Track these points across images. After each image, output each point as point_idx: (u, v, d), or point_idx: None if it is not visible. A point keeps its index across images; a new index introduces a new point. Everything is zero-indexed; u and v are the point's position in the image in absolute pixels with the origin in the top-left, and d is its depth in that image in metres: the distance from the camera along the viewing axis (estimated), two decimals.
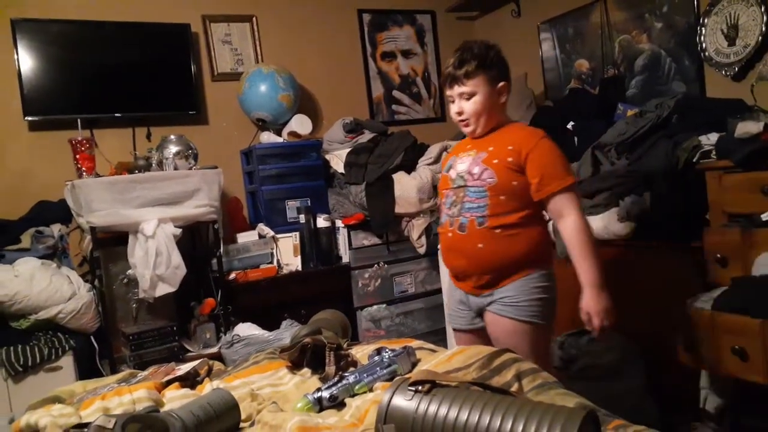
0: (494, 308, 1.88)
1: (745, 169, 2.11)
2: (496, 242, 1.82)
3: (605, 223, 2.56)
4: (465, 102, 1.87)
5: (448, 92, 1.92)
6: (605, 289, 1.81)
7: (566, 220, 1.82)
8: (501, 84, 1.88)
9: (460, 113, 1.90)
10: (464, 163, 1.91)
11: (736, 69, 2.74)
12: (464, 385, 1.11)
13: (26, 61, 3.08)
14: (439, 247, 2.10)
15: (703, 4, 2.87)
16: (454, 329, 2.07)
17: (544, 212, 1.93)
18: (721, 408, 2.14)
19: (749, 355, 1.76)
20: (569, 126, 3.17)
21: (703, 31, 2.85)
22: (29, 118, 3.12)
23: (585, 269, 1.80)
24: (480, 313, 1.94)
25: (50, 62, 3.14)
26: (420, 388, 1.06)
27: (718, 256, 2.07)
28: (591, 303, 1.80)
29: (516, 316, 1.84)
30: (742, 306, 1.81)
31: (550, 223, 2.10)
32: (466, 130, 1.94)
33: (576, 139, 3.10)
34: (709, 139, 2.31)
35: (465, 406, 1.00)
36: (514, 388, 1.28)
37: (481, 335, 1.94)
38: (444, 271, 2.33)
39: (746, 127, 2.11)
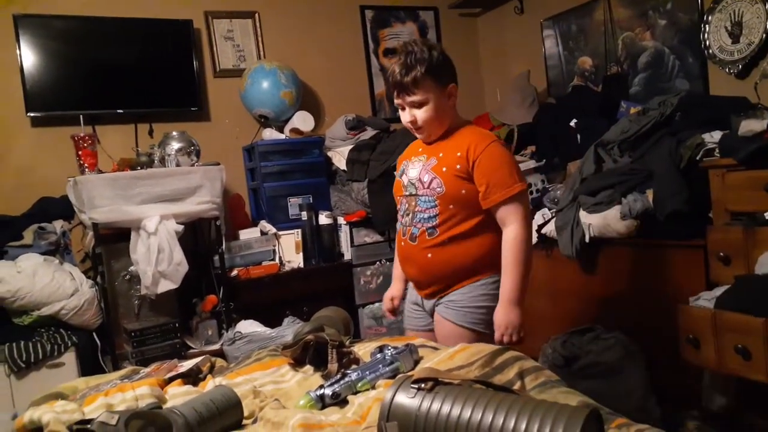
0: (440, 310, 1.90)
1: (748, 167, 2.10)
2: (445, 253, 1.82)
3: (608, 221, 2.55)
4: (416, 110, 1.80)
5: (397, 100, 1.83)
6: (519, 306, 1.80)
7: (508, 229, 1.79)
8: (450, 86, 1.83)
9: (413, 122, 1.83)
10: (415, 169, 1.88)
11: (740, 66, 2.73)
12: (467, 383, 1.10)
13: (29, 57, 3.08)
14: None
15: (707, 1, 2.86)
16: (409, 330, 2.06)
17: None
18: (724, 407, 2.14)
19: (752, 354, 1.76)
20: (572, 123, 3.16)
21: (707, 29, 2.84)
22: (32, 114, 3.13)
23: (506, 283, 1.79)
24: (432, 314, 1.97)
25: (53, 58, 3.14)
26: (423, 385, 1.06)
27: (721, 254, 2.07)
28: (501, 316, 1.79)
29: (457, 321, 1.84)
30: (745, 305, 1.81)
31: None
32: (420, 137, 1.90)
33: (579, 136, 3.10)
34: (713, 137, 2.31)
35: (468, 404, 1.00)
36: (517, 386, 1.27)
37: (431, 337, 1.89)
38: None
39: (750, 125, 2.10)
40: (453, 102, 1.86)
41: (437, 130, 1.85)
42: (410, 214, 1.86)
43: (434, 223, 1.81)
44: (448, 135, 1.87)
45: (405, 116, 1.85)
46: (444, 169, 1.80)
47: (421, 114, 1.80)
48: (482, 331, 1.83)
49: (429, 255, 1.84)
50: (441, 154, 1.84)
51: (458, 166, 1.79)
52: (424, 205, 1.83)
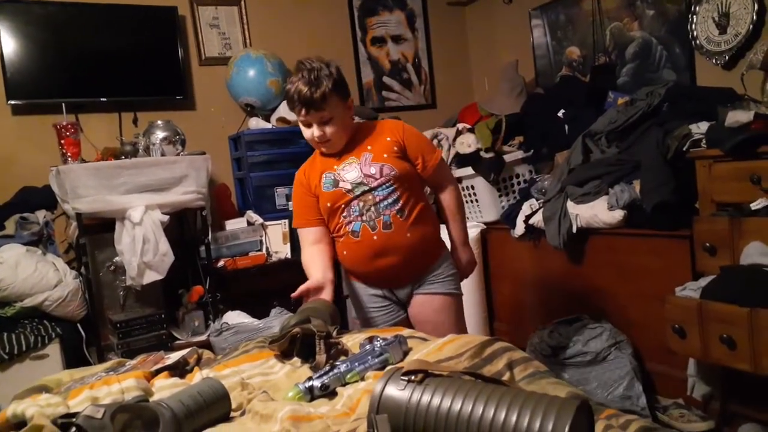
0: (423, 289, 1.99)
1: (734, 158, 2.11)
2: (420, 229, 1.92)
3: (595, 211, 2.57)
4: (326, 126, 1.84)
5: (303, 118, 1.85)
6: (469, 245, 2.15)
7: (448, 187, 2.05)
8: (350, 99, 1.91)
9: (321, 137, 1.85)
10: (352, 172, 1.88)
11: (727, 58, 2.74)
12: (457, 375, 1.10)
13: (9, 43, 3.02)
14: (344, 258, 1.98)
15: None
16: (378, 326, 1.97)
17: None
18: (709, 395, 2.16)
19: (737, 344, 1.78)
20: (560, 114, 3.17)
21: (695, 19, 2.85)
22: (12, 102, 3.07)
23: (460, 229, 2.09)
24: (405, 303, 2.01)
25: (34, 45, 3.08)
26: (413, 377, 1.05)
27: (707, 244, 2.08)
28: (467, 256, 2.11)
29: (446, 290, 2.00)
30: (730, 295, 1.83)
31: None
32: (328, 149, 1.91)
33: (567, 127, 3.10)
34: (700, 128, 2.32)
35: (458, 396, 0.99)
36: (506, 377, 1.27)
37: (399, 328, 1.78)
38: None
39: (736, 116, 2.11)
40: (352, 113, 1.96)
41: (342, 138, 1.90)
42: (371, 208, 1.87)
43: (400, 205, 1.88)
44: (358, 136, 1.94)
45: (312, 131, 1.86)
46: (385, 155, 1.89)
47: (330, 129, 1.85)
48: (455, 293, 2.04)
49: (408, 234, 1.89)
50: (370, 147, 1.91)
51: (395, 148, 1.90)
52: (383, 192, 1.87)
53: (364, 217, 1.89)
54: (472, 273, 2.19)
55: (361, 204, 1.88)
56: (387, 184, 1.86)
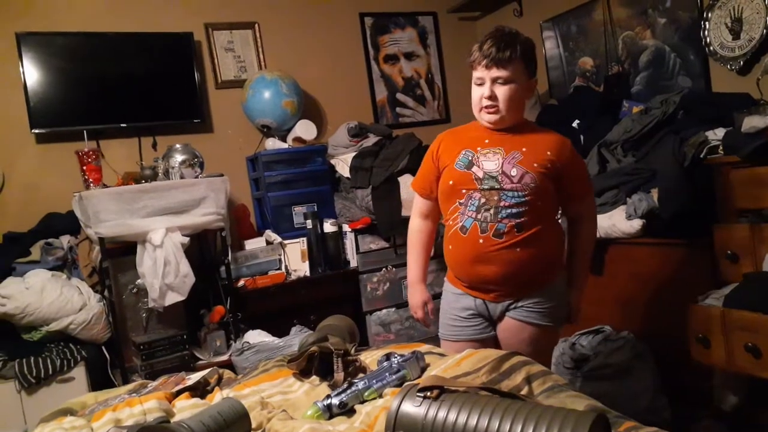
0: (517, 314, 1.83)
1: (752, 163, 2.09)
2: (532, 248, 1.77)
3: (613, 221, 2.55)
4: (499, 87, 1.75)
5: (480, 74, 1.76)
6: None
7: (588, 223, 1.95)
8: (533, 79, 1.82)
9: (490, 98, 1.76)
10: (492, 162, 1.77)
11: (742, 63, 2.72)
12: (473, 390, 1.10)
13: (32, 74, 3.11)
14: (448, 252, 1.90)
15: None
16: (453, 341, 1.92)
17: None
18: (736, 406, 2.12)
19: (762, 352, 1.75)
20: (575, 124, 3.16)
21: (707, 26, 2.84)
22: (36, 131, 3.15)
23: (584, 271, 1.97)
24: (497, 321, 1.88)
25: (55, 75, 3.17)
26: (429, 394, 1.05)
27: (729, 252, 2.06)
28: (577, 301, 1.96)
29: (539, 321, 1.83)
30: (754, 302, 1.80)
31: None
32: (491, 117, 1.79)
33: (582, 137, 3.09)
34: (716, 135, 2.30)
35: (474, 412, 0.99)
36: (524, 391, 1.27)
37: (485, 345, 1.81)
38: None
39: (753, 122, 2.09)
40: (529, 96, 1.85)
41: (511, 115, 1.79)
42: (491, 209, 1.75)
43: (523, 219, 1.75)
44: (521, 130, 1.83)
45: (482, 91, 1.77)
46: (535, 164, 1.76)
47: (503, 92, 1.75)
48: (551, 326, 1.87)
49: (518, 250, 1.76)
50: (524, 149, 1.78)
51: (549, 165, 1.77)
52: (511, 200, 1.74)
53: (479, 216, 1.77)
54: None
55: (483, 200, 1.76)
56: (520, 193, 1.74)
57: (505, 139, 1.81)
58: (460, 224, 1.81)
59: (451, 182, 1.82)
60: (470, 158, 1.80)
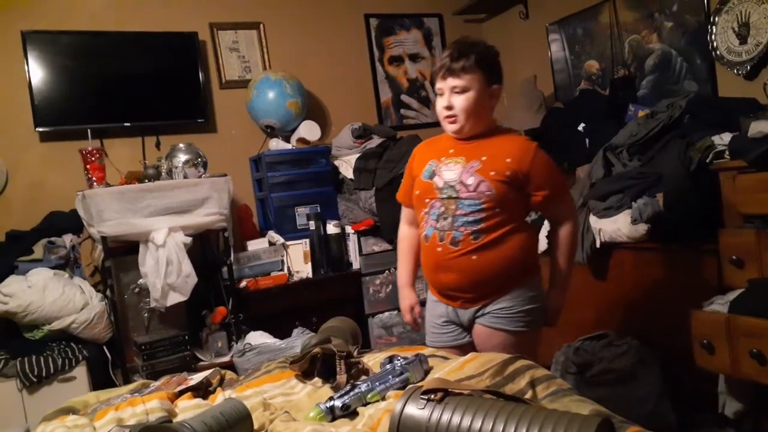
0: (485, 321, 1.84)
1: (759, 169, 2.07)
2: (490, 255, 1.78)
3: (618, 225, 2.53)
4: (456, 96, 1.79)
5: (439, 84, 1.82)
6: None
7: (566, 224, 1.91)
8: (495, 86, 1.84)
9: (449, 108, 1.80)
10: (452, 172, 1.81)
11: (748, 67, 2.71)
12: (477, 393, 1.09)
13: (37, 72, 3.11)
14: (421, 260, 1.97)
15: (714, 2, 2.84)
16: (434, 347, 1.88)
17: (528, 218, 1.97)
18: (741, 412, 2.10)
19: (767, 359, 1.73)
20: (580, 128, 3.15)
21: (714, 30, 2.82)
22: (40, 129, 3.15)
23: (564, 271, 1.94)
24: (468, 327, 1.90)
25: (60, 73, 3.17)
26: (432, 396, 1.04)
27: (734, 257, 2.04)
28: (558, 301, 1.96)
29: (509, 327, 1.83)
30: (759, 308, 1.79)
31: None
32: (452, 127, 1.83)
33: (587, 140, 3.08)
34: (722, 139, 2.28)
35: (478, 415, 0.98)
36: (528, 395, 1.26)
37: (465, 351, 1.79)
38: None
39: (759, 127, 2.07)
40: (493, 104, 1.86)
41: (471, 124, 1.81)
42: (449, 218, 1.78)
43: (480, 227, 1.76)
44: (485, 137, 1.85)
45: (442, 101, 1.82)
46: (492, 173, 1.77)
47: (460, 102, 1.78)
48: (530, 331, 1.86)
49: (474, 257, 1.78)
50: (484, 158, 1.79)
51: (508, 173, 1.78)
52: (468, 208, 1.76)
53: (438, 224, 1.81)
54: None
55: (443, 209, 1.80)
56: (476, 201, 1.76)
57: (467, 149, 1.85)
58: (424, 233, 1.87)
59: (417, 192, 1.89)
60: (433, 168, 1.86)
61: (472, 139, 1.85)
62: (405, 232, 2.09)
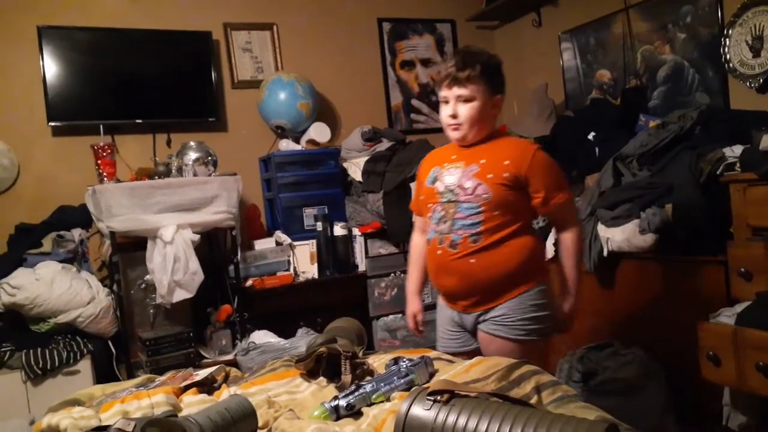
0: (486, 327, 1.85)
1: None
2: (489, 258, 1.79)
3: (627, 235, 2.53)
4: (461, 105, 1.82)
5: (444, 93, 1.85)
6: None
7: (570, 228, 1.91)
8: (498, 96, 1.87)
9: (453, 116, 1.84)
10: (452, 176, 1.85)
11: (761, 81, 2.70)
12: (483, 396, 1.09)
13: (51, 67, 3.13)
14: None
15: (728, 15, 2.84)
16: (446, 353, 1.84)
17: (534, 221, 1.98)
18: (745, 426, 2.09)
19: None
20: (590, 137, 3.15)
21: (728, 42, 2.82)
22: (53, 124, 3.17)
23: (574, 277, 1.93)
24: (473, 332, 1.91)
25: (74, 69, 3.19)
26: (439, 398, 1.04)
27: (743, 270, 2.03)
28: (571, 308, 1.94)
29: (510, 335, 1.82)
30: (767, 321, 1.78)
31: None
32: (455, 134, 1.87)
33: (597, 149, 3.08)
34: (733, 152, 2.28)
35: (484, 417, 0.98)
36: (534, 400, 1.25)
37: (473, 356, 1.70)
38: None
39: None
40: (496, 113, 1.90)
41: (475, 132, 1.85)
42: (448, 221, 1.82)
43: (478, 230, 1.78)
44: (486, 142, 1.88)
45: (446, 110, 1.86)
46: (490, 175, 1.79)
47: (464, 110, 1.82)
48: (533, 339, 1.84)
49: (472, 261, 1.80)
50: (483, 161, 1.82)
51: (506, 175, 1.79)
52: (466, 211, 1.80)
53: (438, 227, 1.85)
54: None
55: (443, 213, 1.84)
56: (474, 204, 1.79)
57: (468, 154, 1.88)
58: (427, 236, 1.92)
59: (422, 198, 1.95)
60: (436, 174, 1.91)
61: (475, 145, 1.89)
62: (416, 241, 2.13)
